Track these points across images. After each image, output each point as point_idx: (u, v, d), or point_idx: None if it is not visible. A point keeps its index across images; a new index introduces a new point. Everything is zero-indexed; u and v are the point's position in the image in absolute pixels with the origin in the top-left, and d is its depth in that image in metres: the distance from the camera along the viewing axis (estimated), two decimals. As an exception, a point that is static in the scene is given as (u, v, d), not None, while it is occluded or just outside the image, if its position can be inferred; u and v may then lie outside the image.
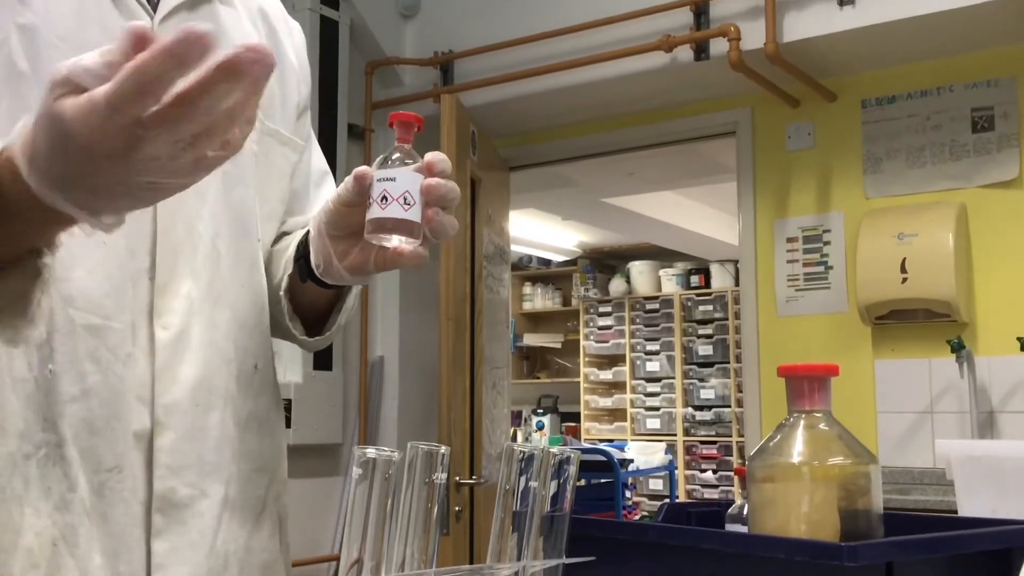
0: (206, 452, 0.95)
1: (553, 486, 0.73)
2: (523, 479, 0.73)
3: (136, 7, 0.94)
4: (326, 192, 1.16)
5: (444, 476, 0.66)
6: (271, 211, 1.08)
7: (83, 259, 0.89)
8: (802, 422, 1.06)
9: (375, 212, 0.82)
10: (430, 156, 0.85)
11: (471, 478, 3.09)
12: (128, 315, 0.91)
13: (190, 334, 0.94)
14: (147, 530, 0.91)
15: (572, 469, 0.74)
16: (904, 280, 3.03)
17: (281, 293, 1.06)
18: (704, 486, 6.52)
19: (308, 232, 1.00)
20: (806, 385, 1.06)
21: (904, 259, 3.03)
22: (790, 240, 3.37)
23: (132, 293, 0.92)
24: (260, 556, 1.01)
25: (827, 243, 3.31)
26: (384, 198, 0.82)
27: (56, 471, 0.87)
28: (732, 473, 6.38)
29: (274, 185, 1.08)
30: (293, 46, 1.14)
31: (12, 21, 0.87)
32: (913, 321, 3.09)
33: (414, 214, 0.82)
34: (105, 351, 0.89)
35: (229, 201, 1.00)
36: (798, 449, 1.04)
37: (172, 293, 0.94)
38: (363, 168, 0.85)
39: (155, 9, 0.96)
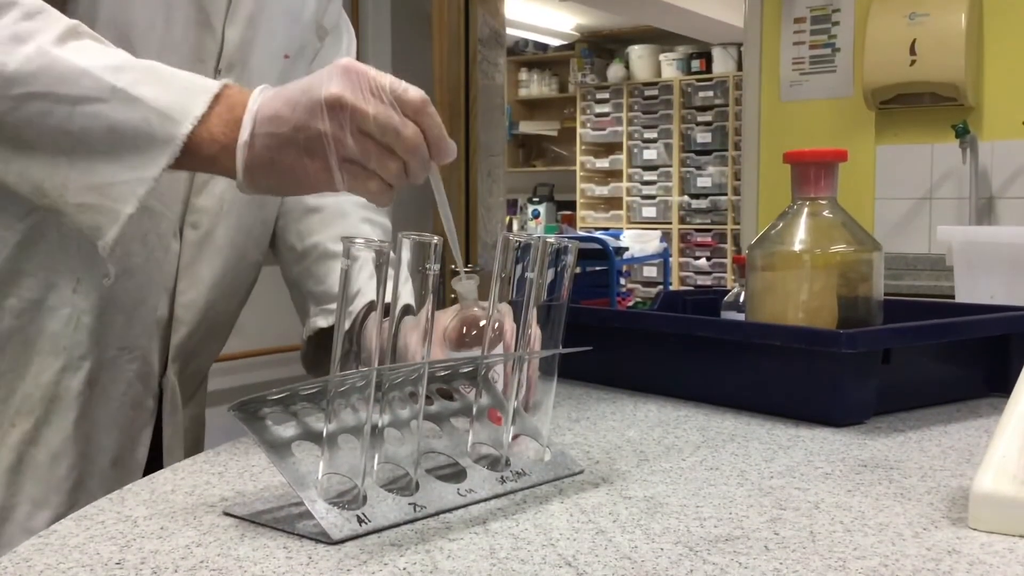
0: (208, 344, 1.01)
1: (550, 275, 0.71)
2: (519, 268, 0.71)
3: None
4: None
5: (437, 267, 0.64)
6: None
7: None
8: (806, 209, 1.03)
9: None
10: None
11: (467, 266, 3.11)
12: (178, 205, 0.93)
13: (215, 236, 0.96)
14: (154, 413, 0.96)
15: (570, 258, 0.72)
16: (912, 62, 2.95)
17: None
18: (697, 273, 6.61)
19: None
20: (812, 172, 1.03)
21: (914, 40, 2.93)
22: (797, 20, 3.25)
23: (182, 184, 0.93)
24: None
25: (836, 23, 3.19)
26: None
27: (73, 334, 0.88)
28: (725, 260, 6.45)
29: None
30: None
31: None
32: (918, 105, 3.04)
33: None
34: (154, 236, 0.91)
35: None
36: (800, 237, 1.02)
37: (207, 192, 0.95)
38: None
39: None
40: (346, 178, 0.71)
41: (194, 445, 1.03)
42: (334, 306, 1.00)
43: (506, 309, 0.79)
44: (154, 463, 0.96)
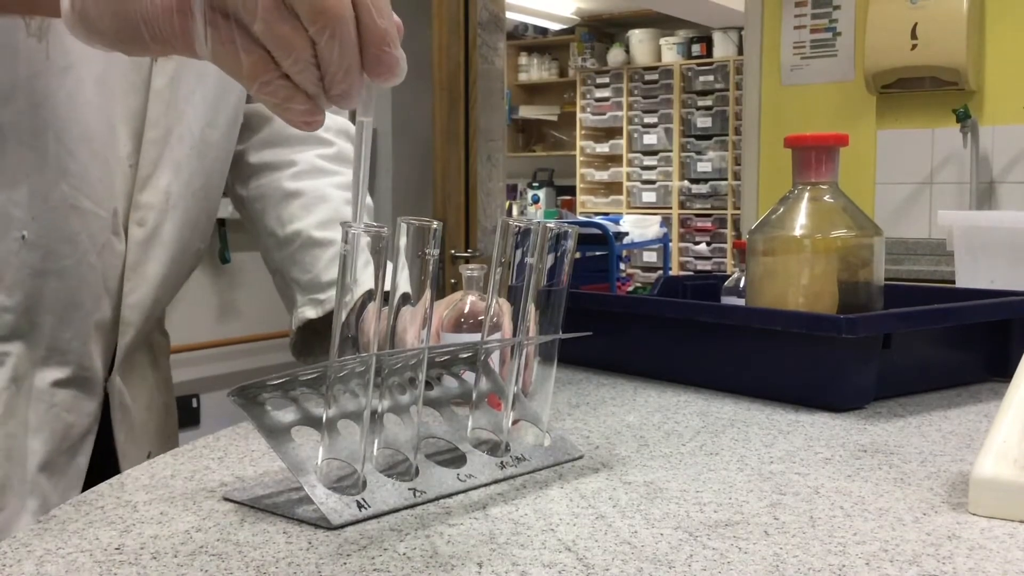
0: (150, 340, 0.97)
1: (550, 260, 0.71)
2: (519, 253, 0.71)
3: None
4: None
5: (437, 252, 0.63)
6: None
7: (92, 140, 0.83)
8: (807, 194, 1.03)
9: None
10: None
11: (467, 251, 3.11)
12: (116, 202, 0.87)
13: (162, 232, 0.91)
14: (98, 419, 0.90)
15: (570, 244, 0.71)
16: (914, 47, 2.94)
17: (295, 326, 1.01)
18: (697, 258, 6.61)
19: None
20: (813, 156, 1.02)
21: (915, 24, 2.93)
22: (799, 4, 3.24)
23: (120, 181, 0.87)
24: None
25: (837, 7, 3.18)
26: None
27: None
28: (725, 245, 6.45)
29: None
30: None
31: None
32: (919, 90, 3.03)
33: None
34: (86, 236, 0.84)
35: (230, 85, 0.92)
36: (801, 222, 1.02)
37: (152, 187, 0.89)
38: None
39: None
40: (211, 39, 0.48)
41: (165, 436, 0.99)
42: (322, 296, 0.98)
43: (506, 308, 0.78)
44: (101, 469, 0.88)
